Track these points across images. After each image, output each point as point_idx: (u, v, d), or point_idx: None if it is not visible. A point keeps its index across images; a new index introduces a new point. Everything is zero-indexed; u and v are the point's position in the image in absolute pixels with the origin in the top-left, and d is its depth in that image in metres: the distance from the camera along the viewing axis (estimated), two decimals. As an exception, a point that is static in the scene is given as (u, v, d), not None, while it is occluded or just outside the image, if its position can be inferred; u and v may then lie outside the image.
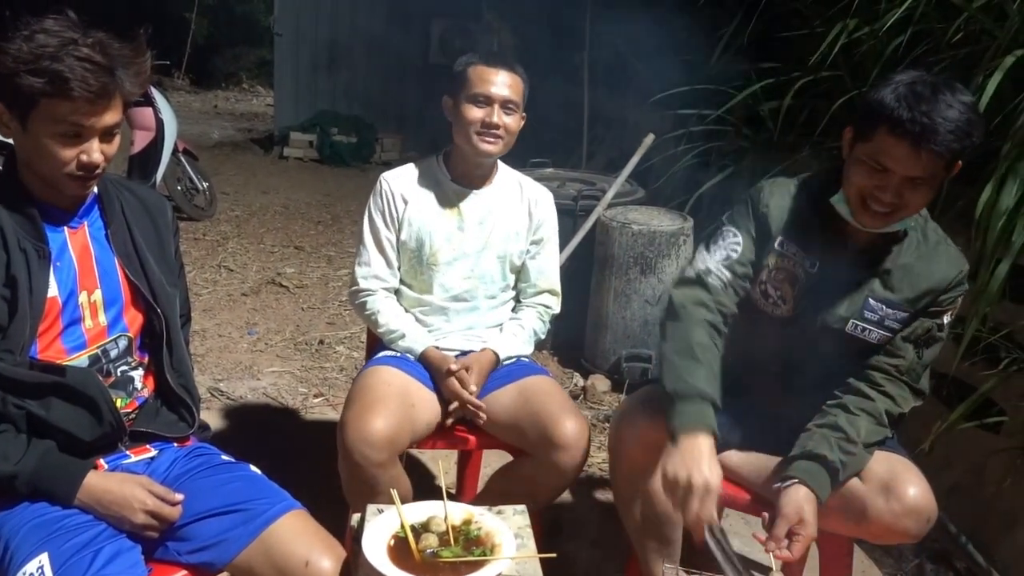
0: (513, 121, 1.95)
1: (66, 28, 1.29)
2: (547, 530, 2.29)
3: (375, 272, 2.03)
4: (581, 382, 3.37)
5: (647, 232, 3.22)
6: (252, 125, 10.66)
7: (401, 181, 2.05)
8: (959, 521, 2.54)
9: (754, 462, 1.75)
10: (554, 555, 1.34)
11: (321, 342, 3.66)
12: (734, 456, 1.78)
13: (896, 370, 1.65)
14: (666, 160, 3.93)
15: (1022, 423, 2.36)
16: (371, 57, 8.78)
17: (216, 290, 4.25)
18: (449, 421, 1.91)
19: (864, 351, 1.67)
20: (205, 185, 5.62)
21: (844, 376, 1.67)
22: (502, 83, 1.92)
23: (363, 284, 2.03)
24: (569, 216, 3.50)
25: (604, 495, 2.62)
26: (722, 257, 1.68)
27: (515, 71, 1.95)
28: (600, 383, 3.29)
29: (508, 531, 1.37)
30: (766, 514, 1.55)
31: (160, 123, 5.07)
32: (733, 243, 1.69)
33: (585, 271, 3.43)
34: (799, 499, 1.51)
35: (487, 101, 1.91)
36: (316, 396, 3.11)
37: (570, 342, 3.57)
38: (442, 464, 1.49)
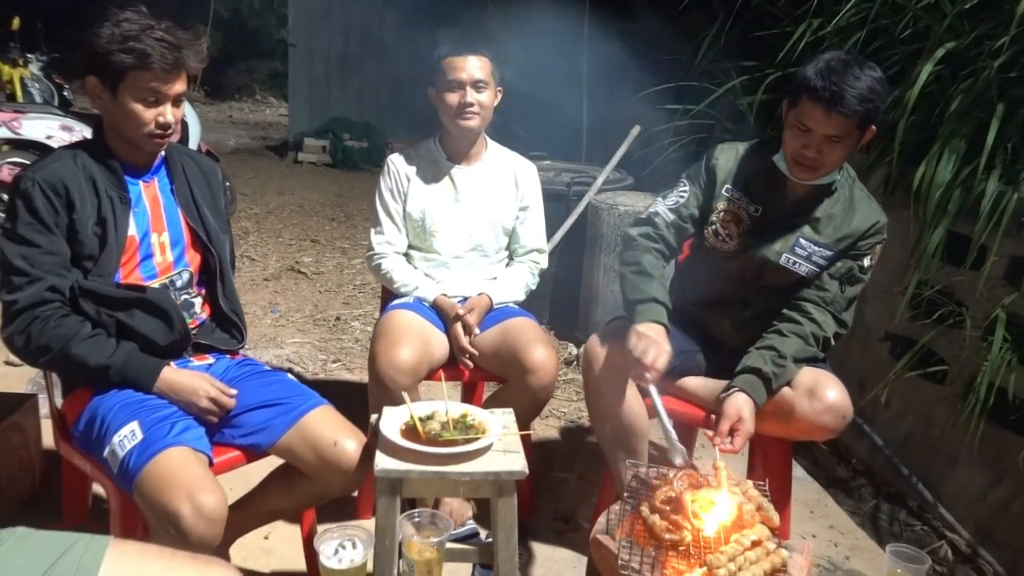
0: (486, 97, 2.28)
1: (142, 16, 1.64)
2: (540, 463, 2.61)
3: (387, 239, 2.37)
4: (575, 350, 3.69)
5: (633, 212, 3.55)
6: (266, 133, 11.04)
7: (405, 161, 2.39)
8: (911, 465, 2.84)
9: (708, 386, 2.08)
10: (530, 432, 1.66)
11: (338, 319, 4.00)
12: (691, 381, 2.10)
13: (823, 300, 1.99)
14: (655, 151, 4.27)
15: (959, 371, 2.66)
16: (381, 66, 9.17)
17: (240, 276, 4.60)
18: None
19: (796, 284, 2.01)
20: (226, 184, 5.97)
21: (780, 308, 2.01)
22: (470, 67, 2.24)
23: (378, 248, 2.37)
24: (563, 201, 3.83)
25: (591, 439, 2.94)
26: (671, 203, 2.08)
27: (480, 53, 2.27)
28: (592, 351, 3.61)
29: (497, 421, 1.69)
30: (713, 416, 1.88)
31: (185, 125, 5.45)
32: (682, 191, 2.09)
33: (577, 250, 3.77)
34: (739, 403, 1.84)
35: (459, 85, 2.24)
36: (334, 361, 3.45)
37: (564, 315, 3.89)
38: (446, 388, 1.83)
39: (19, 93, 6.18)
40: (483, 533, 2.22)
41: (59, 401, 1.78)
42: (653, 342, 1.82)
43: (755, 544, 1.48)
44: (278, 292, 4.39)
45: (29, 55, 6.52)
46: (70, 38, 8.24)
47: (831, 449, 3.10)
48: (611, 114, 6.17)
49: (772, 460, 2.05)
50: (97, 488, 2.14)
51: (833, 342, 2.00)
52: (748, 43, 3.99)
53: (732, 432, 1.83)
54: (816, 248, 1.97)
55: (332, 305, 4.23)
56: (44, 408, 2.45)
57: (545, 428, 2.99)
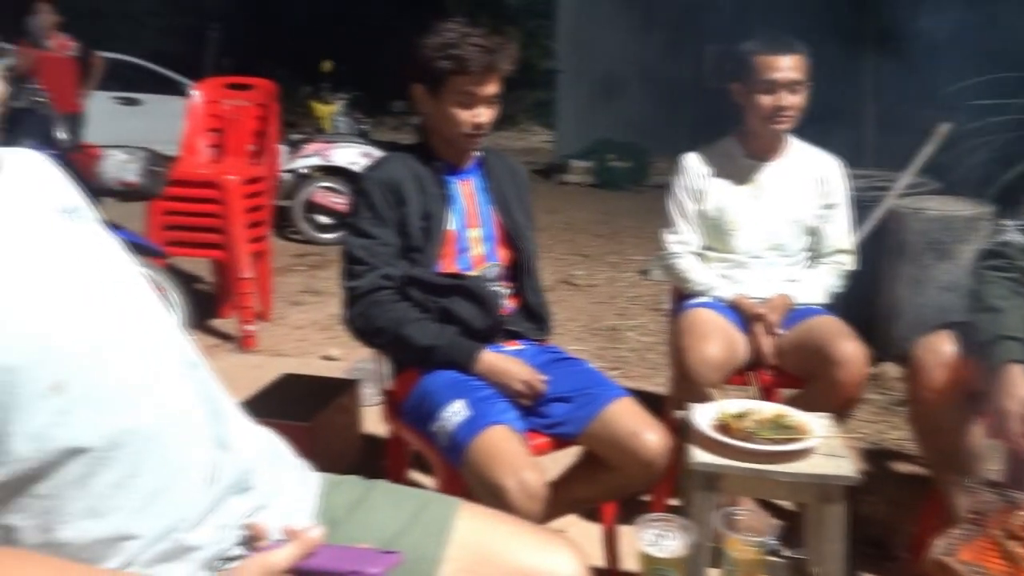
0: (800, 99, 2.15)
1: (461, 25, 1.77)
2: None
3: (682, 238, 2.32)
4: (871, 369, 3.38)
5: (942, 217, 3.20)
6: (532, 159, 11.53)
7: (701, 159, 2.33)
8: None
9: None
10: (859, 435, 1.51)
11: (613, 329, 4.03)
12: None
13: None
14: (962, 154, 3.84)
15: None
16: (645, 86, 9.23)
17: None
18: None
19: None
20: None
21: None
22: (786, 67, 2.12)
23: (672, 248, 2.33)
24: (856, 207, 3.54)
25: (900, 466, 2.67)
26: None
27: (795, 51, 2.14)
28: (892, 370, 3.29)
29: (818, 421, 1.57)
30: None
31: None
32: None
33: (872, 260, 3.45)
34: None
35: (774, 87, 2.12)
36: (613, 369, 3.46)
37: (859, 331, 3.57)
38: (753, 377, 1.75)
39: (328, 127, 7.00)
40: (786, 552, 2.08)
41: (388, 384, 1.94)
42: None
43: None
44: (554, 303, 4.46)
45: (336, 94, 7.38)
46: (367, 80, 9.24)
47: None
48: (903, 113, 5.68)
49: None
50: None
51: None
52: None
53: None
54: None
55: (606, 316, 4.27)
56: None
57: (842, 448, 2.76)
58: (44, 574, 0.82)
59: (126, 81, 8.76)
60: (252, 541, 0.95)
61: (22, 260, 0.90)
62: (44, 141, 2.94)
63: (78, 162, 2.91)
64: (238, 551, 0.96)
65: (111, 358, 0.91)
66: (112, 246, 1.03)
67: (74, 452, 0.87)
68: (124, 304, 0.97)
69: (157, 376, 0.95)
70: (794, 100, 2.14)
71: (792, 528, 1.62)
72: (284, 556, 0.86)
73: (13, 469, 0.84)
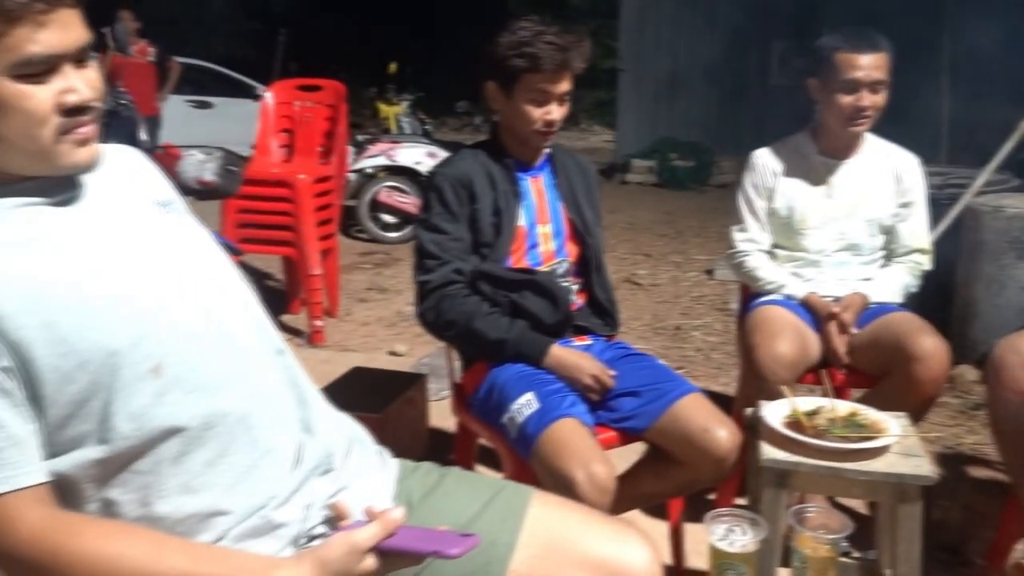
0: (882, 98, 2.09)
1: (535, 24, 1.78)
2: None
3: (751, 236, 2.29)
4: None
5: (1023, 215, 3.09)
6: (594, 158, 11.46)
7: (772, 156, 2.29)
8: None
9: None
10: (934, 439, 1.48)
11: (677, 328, 4.01)
12: None
13: None
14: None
15: None
16: (709, 83, 9.12)
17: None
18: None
19: None
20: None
21: None
22: (868, 66, 2.05)
23: (740, 246, 2.30)
24: (930, 206, 3.44)
25: (976, 471, 2.59)
26: None
27: (879, 49, 2.06)
28: (969, 372, 3.19)
29: (893, 420, 1.54)
30: None
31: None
32: None
33: (948, 260, 3.35)
34: None
35: (856, 87, 2.06)
36: (678, 368, 3.43)
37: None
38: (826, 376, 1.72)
39: (393, 127, 7.12)
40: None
41: (457, 378, 1.97)
42: None
43: None
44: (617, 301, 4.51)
45: (401, 95, 7.51)
46: (430, 81, 9.36)
47: None
48: (979, 118, 5.49)
49: None
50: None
51: None
52: None
53: None
54: None
55: (670, 315, 4.25)
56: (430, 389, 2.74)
57: (916, 452, 2.69)
58: (142, 545, 0.87)
59: (198, 85, 9.06)
60: (335, 520, 0.98)
61: (124, 248, 0.96)
62: (129, 143, 3.06)
63: (159, 162, 3.03)
64: (322, 529, 1.00)
65: (205, 343, 0.96)
66: (204, 237, 1.08)
67: (171, 432, 0.92)
68: (217, 292, 1.02)
69: (247, 361, 1.00)
70: (875, 100, 2.08)
71: (860, 529, 1.60)
72: (368, 535, 0.89)
73: (115, 447, 0.89)
